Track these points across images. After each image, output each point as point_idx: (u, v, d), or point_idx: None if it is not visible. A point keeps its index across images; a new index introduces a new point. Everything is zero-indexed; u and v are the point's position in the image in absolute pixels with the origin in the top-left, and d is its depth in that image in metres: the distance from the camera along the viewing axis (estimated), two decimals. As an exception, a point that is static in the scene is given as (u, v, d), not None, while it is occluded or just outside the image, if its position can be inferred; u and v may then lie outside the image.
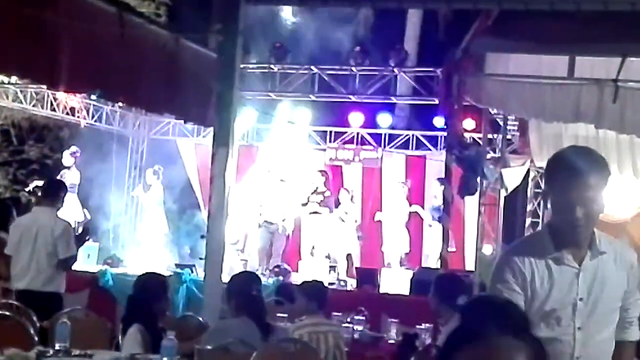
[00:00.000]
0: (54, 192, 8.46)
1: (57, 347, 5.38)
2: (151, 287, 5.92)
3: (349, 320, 8.07)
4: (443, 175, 11.83)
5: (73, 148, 14.39)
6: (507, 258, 3.44)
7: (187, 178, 16.39)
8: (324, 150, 15.63)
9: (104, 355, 5.67)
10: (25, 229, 8.19)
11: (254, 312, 5.53)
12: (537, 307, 3.29)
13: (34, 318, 6.48)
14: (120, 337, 6.15)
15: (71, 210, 13.50)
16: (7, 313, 6.33)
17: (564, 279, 3.31)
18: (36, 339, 5.97)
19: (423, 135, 15.37)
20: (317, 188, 14.09)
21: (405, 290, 11.99)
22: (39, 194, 8.55)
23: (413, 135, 15.53)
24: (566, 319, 3.29)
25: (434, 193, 13.93)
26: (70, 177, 13.87)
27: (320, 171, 14.42)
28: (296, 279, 11.93)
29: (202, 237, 12.81)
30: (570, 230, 3.29)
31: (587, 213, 3.24)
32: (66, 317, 5.89)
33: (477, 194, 11.98)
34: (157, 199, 14.56)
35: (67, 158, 14.21)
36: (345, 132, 15.60)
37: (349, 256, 14.15)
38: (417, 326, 7.78)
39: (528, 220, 14.48)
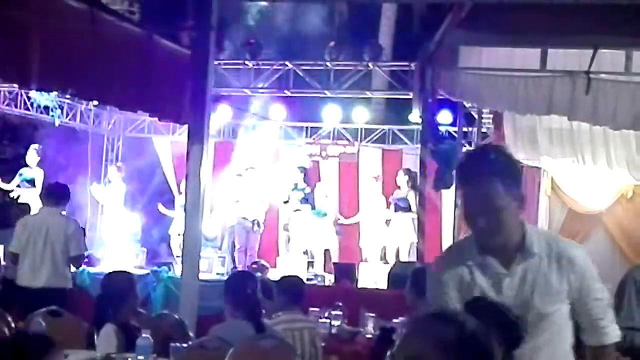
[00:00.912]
0: (58, 194, 8.71)
1: (32, 347, 5.33)
2: (118, 285, 5.92)
3: (326, 315, 8.07)
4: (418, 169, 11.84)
5: (35, 145, 14.25)
6: (437, 266, 3.28)
7: (163, 176, 16.36)
8: (300, 146, 15.63)
9: (80, 355, 5.63)
10: (34, 228, 8.43)
11: (249, 311, 5.52)
12: None
13: (9, 318, 6.43)
14: (95, 337, 6.13)
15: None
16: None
17: (487, 285, 3.08)
18: (11, 340, 5.92)
19: (399, 130, 15.40)
20: (296, 184, 14.07)
21: (383, 285, 12.01)
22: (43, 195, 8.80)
23: (389, 130, 15.55)
24: None
25: (399, 184, 13.86)
26: (31, 174, 13.83)
27: (300, 167, 14.38)
28: (274, 275, 11.92)
29: (179, 234, 12.82)
30: (481, 238, 3.06)
31: (493, 220, 2.98)
32: (41, 317, 5.84)
33: (454, 187, 12.03)
34: (118, 195, 14.41)
35: (32, 156, 14.06)
36: (321, 128, 15.60)
37: (326, 251, 14.14)
38: (394, 320, 7.79)
39: (504, 213, 14.52)
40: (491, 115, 13.38)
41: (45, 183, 14.04)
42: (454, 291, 3.11)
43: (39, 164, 14.08)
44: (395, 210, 13.67)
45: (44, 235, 8.36)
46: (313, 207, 14.02)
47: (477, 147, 3.22)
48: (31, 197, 13.58)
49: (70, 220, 8.85)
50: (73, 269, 8.87)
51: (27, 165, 14.10)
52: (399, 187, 13.81)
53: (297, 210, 14.02)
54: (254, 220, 13.71)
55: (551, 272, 3.10)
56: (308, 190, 14.08)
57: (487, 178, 2.96)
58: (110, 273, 6.53)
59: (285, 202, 14.14)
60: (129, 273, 6.50)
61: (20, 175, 14.03)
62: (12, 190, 13.89)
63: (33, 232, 8.41)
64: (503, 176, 2.98)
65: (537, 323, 3.07)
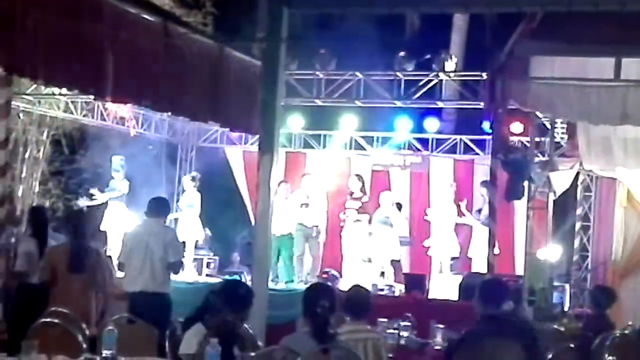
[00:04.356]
0: (158, 207, 9.10)
1: (104, 354, 5.43)
2: (237, 296, 5.74)
3: (395, 326, 8.05)
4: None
5: (120, 157, 14.45)
6: None
7: (235, 185, 16.52)
8: (370, 155, 15.64)
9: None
10: (136, 238, 8.93)
11: (314, 325, 5.52)
12: None
13: (83, 325, 6.57)
14: (167, 342, 6.23)
15: (117, 219, 13.61)
16: (56, 321, 6.44)
17: None
18: (84, 346, 6.06)
19: (471, 140, 15.28)
20: (352, 193, 13.97)
21: (455, 296, 11.94)
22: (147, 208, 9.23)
23: (460, 140, 15.44)
24: None
25: (479, 196, 13.81)
26: (119, 185, 14.06)
27: (356, 175, 14.30)
28: (344, 285, 11.92)
29: (249, 243, 12.92)
30: None
31: None
32: (113, 324, 5.96)
33: (526, 197, 11.88)
34: (190, 204, 14.45)
35: (117, 166, 14.30)
36: (392, 137, 15.59)
37: (395, 262, 14.01)
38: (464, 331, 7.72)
39: (578, 224, 14.33)
40: (565, 125, 13.21)
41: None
42: None
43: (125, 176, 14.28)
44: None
45: (144, 245, 8.76)
46: (370, 217, 13.89)
47: None
48: (119, 209, 13.83)
49: (169, 228, 9.36)
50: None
51: (111, 177, 14.30)
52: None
53: (356, 220, 13.90)
54: (313, 227, 13.64)
55: None
56: (366, 199, 13.97)
57: None
58: (230, 281, 7.00)
59: (343, 212, 14.06)
60: (249, 288, 6.28)
61: (108, 187, 14.25)
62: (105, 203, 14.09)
63: (135, 242, 8.87)
64: None
65: None
